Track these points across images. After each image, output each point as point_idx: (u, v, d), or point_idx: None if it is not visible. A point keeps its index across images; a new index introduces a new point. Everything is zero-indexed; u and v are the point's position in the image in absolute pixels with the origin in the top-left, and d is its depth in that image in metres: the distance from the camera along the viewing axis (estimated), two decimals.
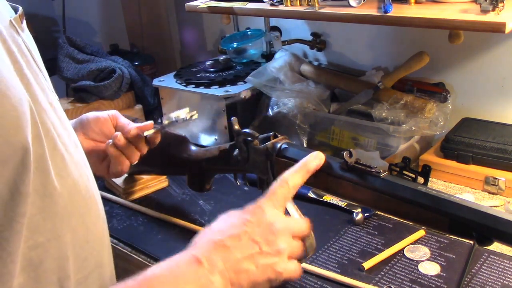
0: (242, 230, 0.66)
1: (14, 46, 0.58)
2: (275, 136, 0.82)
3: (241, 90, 1.37)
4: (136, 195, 1.16)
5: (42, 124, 0.58)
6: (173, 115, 0.94)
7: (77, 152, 0.68)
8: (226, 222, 0.68)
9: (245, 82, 1.39)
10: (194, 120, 0.93)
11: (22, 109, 0.53)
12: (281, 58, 1.45)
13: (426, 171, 0.71)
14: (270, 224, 0.67)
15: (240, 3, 1.23)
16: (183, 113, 0.94)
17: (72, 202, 0.64)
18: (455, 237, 0.91)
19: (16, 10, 0.64)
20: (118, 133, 0.88)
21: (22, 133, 0.53)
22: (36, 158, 0.57)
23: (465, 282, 0.83)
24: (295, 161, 0.77)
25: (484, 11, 0.91)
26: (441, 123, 1.17)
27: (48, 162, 0.59)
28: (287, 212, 0.78)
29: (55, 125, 0.62)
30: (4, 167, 0.52)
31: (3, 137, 0.51)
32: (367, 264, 0.88)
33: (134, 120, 0.97)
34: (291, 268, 0.67)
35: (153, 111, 1.68)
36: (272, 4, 1.17)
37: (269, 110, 1.35)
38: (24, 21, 0.65)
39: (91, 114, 0.92)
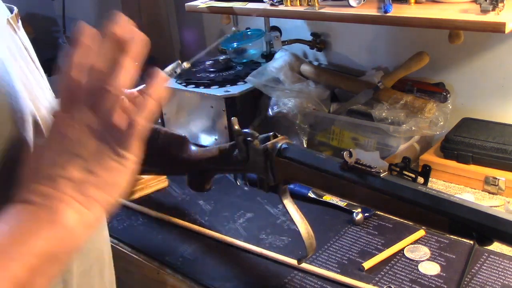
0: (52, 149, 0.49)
1: (12, 43, 0.59)
2: (275, 136, 0.82)
3: (241, 90, 1.37)
4: (136, 195, 1.16)
5: (42, 120, 0.59)
6: (168, 70, 0.93)
7: None
8: (42, 151, 0.50)
9: (245, 82, 1.39)
10: (187, 69, 0.92)
11: (27, 105, 0.54)
12: (281, 58, 1.45)
13: (426, 171, 0.71)
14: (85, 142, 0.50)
15: (240, 3, 1.23)
16: (176, 65, 0.93)
17: None
18: (455, 237, 0.91)
19: (11, 11, 0.65)
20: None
21: (29, 129, 0.54)
22: None
23: (465, 282, 0.83)
24: (295, 161, 0.77)
25: (484, 11, 0.91)
26: (441, 123, 1.17)
27: None
28: (283, 209, 0.78)
29: None
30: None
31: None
32: (367, 264, 0.88)
33: None
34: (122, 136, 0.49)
35: None
36: (272, 4, 1.17)
37: (269, 110, 1.35)
38: (20, 21, 0.66)
39: None
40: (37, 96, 0.60)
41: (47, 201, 0.47)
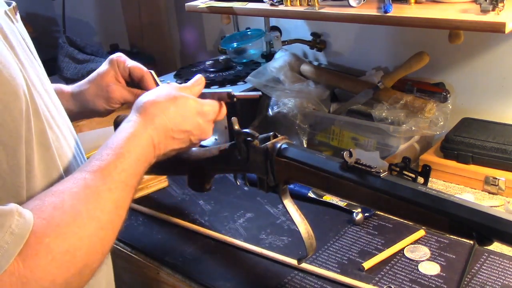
0: (190, 131, 0.79)
1: (9, 33, 0.60)
2: (275, 136, 0.82)
3: (241, 90, 1.37)
4: (136, 195, 1.15)
5: (39, 104, 0.60)
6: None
7: (71, 135, 0.71)
8: (183, 114, 0.78)
9: (245, 82, 1.39)
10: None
11: (20, 81, 0.56)
12: (281, 58, 1.45)
13: (426, 171, 0.71)
14: (209, 130, 0.83)
15: (240, 3, 1.23)
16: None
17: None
18: (455, 237, 0.91)
19: (9, 5, 0.67)
20: None
21: (20, 103, 0.55)
22: (37, 132, 0.59)
23: (465, 282, 0.83)
24: (295, 161, 0.77)
25: (484, 11, 0.91)
26: (441, 123, 1.17)
27: (49, 136, 0.61)
28: (283, 209, 0.78)
29: (50, 108, 0.65)
30: (4, 132, 0.54)
31: (3, 103, 0.53)
32: (367, 264, 0.88)
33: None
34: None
35: None
36: (272, 4, 1.17)
37: (269, 110, 1.35)
38: (18, 14, 0.68)
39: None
40: (33, 83, 0.61)
41: (157, 153, 0.74)
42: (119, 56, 0.95)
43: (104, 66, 0.95)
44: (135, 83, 0.95)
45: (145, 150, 0.72)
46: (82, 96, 0.94)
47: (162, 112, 0.75)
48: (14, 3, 0.67)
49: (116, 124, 1.00)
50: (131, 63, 0.95)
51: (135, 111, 0.75)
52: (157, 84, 0.95)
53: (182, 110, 0.78)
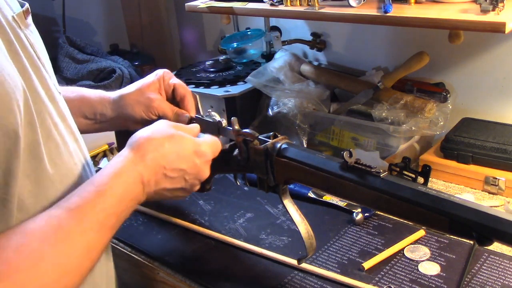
0: (184, 170, 0.76)
1: (15, 39, 0.60)
2: (275, 136, 0.82)
3: (241, 90, 1.37)
4: None
5: (37, 112, 0.61)
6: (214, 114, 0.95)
7: (74, 142, 0.70)
8: (178, 152, 0.75)
9: (245, 82, 1.40)
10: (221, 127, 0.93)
11: (15, 95, 0.55)
12: (281, 58, 1.45)
13: (426, 171, 0.71)
14: (205, 170, 0.79)
15: (240, 3, 1.23)
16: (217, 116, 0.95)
17: (65, 189, 0.65)
18: (455, 237, 0.91)
19: (22, 6, 0.66)
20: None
21: (13, 118, 0.55)
22: (28, 144, 0.59)
23: (465, 282, 0.83)
24: (295, 161, 0.77)
25: (484, 11, 0.91)
26: (441, 123, 1.17)
27: (42, 148, 0.61)
28: (283, 209, 0.78)
29: (52, 115, 0.65)
30: None
31: None
32: (367, 264, 0.88)
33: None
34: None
35: None
36: (272, 4, 1.17)
37: (269, 110, 1.35)
38: (30, 17, 0.67)
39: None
40: (37, 90, 0.61)
41: (146, 191, 0.72)
42: (165, 71, 0.98)
43: (149, 78, 0.96)
44: (176, 101, 0.96)
45: (132, 188, 0.69)
46: (123, 101, 0.94)
47: (155, 149, 0.72)
48: (26, 5, 0.67)
49: None
50: (175, 80, 0.97)
51: (128, 146, 0.73)
52: (197, 109, 0.98)
53: (178, 148, 0.75)
